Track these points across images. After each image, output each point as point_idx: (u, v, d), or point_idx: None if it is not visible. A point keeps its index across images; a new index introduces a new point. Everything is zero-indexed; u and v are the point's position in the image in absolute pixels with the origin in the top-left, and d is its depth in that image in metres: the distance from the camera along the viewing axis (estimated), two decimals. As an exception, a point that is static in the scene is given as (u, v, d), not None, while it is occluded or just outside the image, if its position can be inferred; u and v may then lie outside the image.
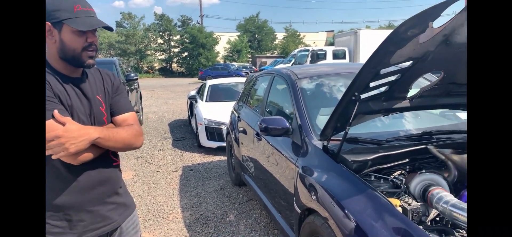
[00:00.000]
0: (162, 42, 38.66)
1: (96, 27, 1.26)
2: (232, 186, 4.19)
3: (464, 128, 2.46)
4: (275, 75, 3.22)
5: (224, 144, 5.01)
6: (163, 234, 3.11)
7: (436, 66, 1.79)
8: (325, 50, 20.13)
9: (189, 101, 7.79)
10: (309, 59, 19.10)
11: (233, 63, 31.62)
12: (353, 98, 1.73)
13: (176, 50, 38.18)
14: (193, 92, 7.76)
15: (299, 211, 2.06)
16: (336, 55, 19.42)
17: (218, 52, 38.54)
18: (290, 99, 2.61)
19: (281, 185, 2.45)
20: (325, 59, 19.12)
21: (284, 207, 2.44)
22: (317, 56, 19.25)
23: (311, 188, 1.93)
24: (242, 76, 20.75)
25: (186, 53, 36.98)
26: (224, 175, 4.64)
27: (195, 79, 27.08)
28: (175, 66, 39.02)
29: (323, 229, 1.75)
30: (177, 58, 38.20)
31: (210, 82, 7.41)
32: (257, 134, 3.00)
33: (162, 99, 14.30)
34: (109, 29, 1.37)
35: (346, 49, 19.61)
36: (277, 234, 2.94)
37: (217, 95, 6.84)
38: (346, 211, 1.60)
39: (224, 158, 5.31)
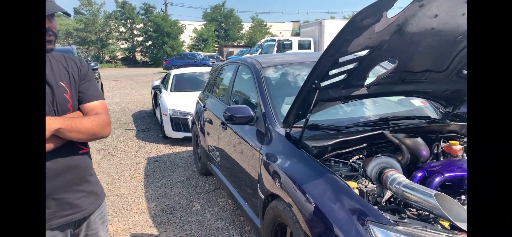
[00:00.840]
0: (124, 30, 37.14)
1: (53, 12, 1.21)
2: (199, 176, 4.17)
3: (417, 114, 2.62)
4: (240, 64, 3.23)
5: (190, 134, 4.96)
6: (127, 226, 3.05)
7: (391, 54, 1.88)
8: (291, 40, 20.37)
9: (153, 91, 7.59)
10: (275, 49, 19.24)
11: (200, 52, 31.10)
12: (313, 86, 1.78)
13: (140, 39, 36.85)
14: (157, 82, 7.57)
15: (263, 196, 2.11)
16: (301, 45, 19.72)
17: (183, 41, 37.69)
18: (255, 88, 2.63)
19: (247, 172, 2.48)
20: (291, 49, 19.36)
21: (250, 194, 2.48)
22: (283, 46, 19.43)
23: (274, 174, 1.98)
24: (208, 65, 20.50)
25: (150, 42, 35.81)
26: (190, 165, 4.61)
27: (160, 69, 26.38)
28: (138, 56, 37.69)
29: (285, 213, 1.80)
30: (141, 47, 36.90)
31: (174, 72, 7.27)
32: (223, 123, 3.00)
33: (125, 89, 13.82)
34: (67, 14, 1.33)
35: (311, 39, 19.96)
36: (243, 221, 2.98)
37: (182, 84, 6.73)
38: (307, 195, 1.66)
39: (190, 148, 5.27)
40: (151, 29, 35.12)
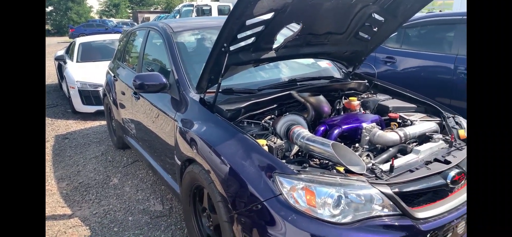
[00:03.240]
0: (17, -7, 31.96)
1: None
2: (115, 150, 3.97)
3: (323, 74, 2.84)
4: (150, 29, 3.07)
5: (102, 107, 4.64)
6: (35, 211, 2.80)
7: (295, 17, 1.98)
8: (210, 6, 19.84)
9: (56, 63, 6.82)
10: (194, 14, 18.60)
11: (111, 19, 28.51)
12: (223, 49, 1.80)
13: (37, 3, 32.13)
14: (60, 52, 6.80)
15: (179, 162, 2.12)
16: (221, 11, 19.37)
17: (91, 7, 34.06)
18: (166, 54, 2.55)
19: (164, 141, 2.45)
20: (211, 14, 18.92)
21: (168, 163, 2.46)
22: (202, 12, 18.87)
23: (189, 140, 1.99)
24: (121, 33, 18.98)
25: (51, 8, 31.54)
26: (105, 140, 4.35)
27: (66, 38, 23.63)
28: (37, 23, 33.01)
29: (201, 175, 1.85)
30: (40, 13, 32.28)
31: (80, 40, 6.59)
32: (135, 93, 2.87)
33: (22, 62, 12.11)
34: None
35: (230, 4, 19.69)
36: (164, 190, 2.97)
37: (89, 54, 6.16)
38: (221, 157, 1.72)
39: (104, 122, 4.94)
40: (51, -8, 30.86)
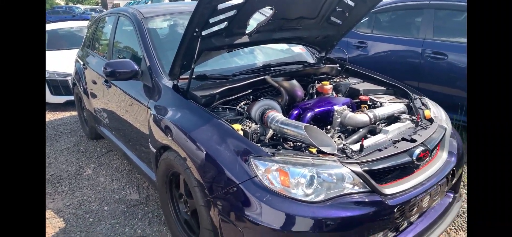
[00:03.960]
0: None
1: None
2: (88, 141, 3.88)
3: (297, 59, 2.88)
4: (120, 16, 2.98)
5: (72, 97, 4.49)
6: (4, 206, 2.71)
7: (267, 2, 1.99)
8: (183, -9, 19.37)
9: (21, 52, 6.49)
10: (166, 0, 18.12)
11: (79, 5, 27.30)
12: (195, 34, 1.79)
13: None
14: (25, 40, 6.47)
15: (154, 150, 2.11)
16: (195, -3, 18.98)
17: (56, -8, 32.43)
18: (137, 40, 2.49)
19: (138, 130, 2.42)
20: None
21: (143, 151, 2.44)
22: (175, -3, 18.41)
23: (163, 127, 1.98)
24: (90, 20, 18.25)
25: (11, -7, 29.78)
26: (77, 130, 4.23)
27: (30, 26, 22.41)
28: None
29: (176, 161, 1.85)
30: None
31: (47, 27, 6.29)
32: (106, 81, 2.80)
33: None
34: None
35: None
36: (140, 179, 2.94)
37: (56, 42, 5.91)
38: (196, 143, 1.73)
39: (75, 113, 4.79)
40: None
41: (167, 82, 2.15)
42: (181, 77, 2.07)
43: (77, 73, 3.75)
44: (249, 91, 2.17)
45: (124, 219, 2.42)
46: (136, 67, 2.24)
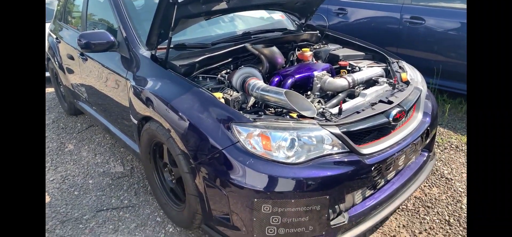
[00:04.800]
0: None
1: None
2: (67, 117, 3.80)
3: (277, 26, 2.87)
4: (93, -15, 2.86)
5: (47, 73, 4.34)
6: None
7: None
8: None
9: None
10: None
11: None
12: (171, 1, 1.75)
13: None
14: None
15: (136, 122, 2.10)
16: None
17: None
18: (112, 10, 2.42)
19: (118, 103, 2.39)
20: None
21: (125, 124, 2.43)
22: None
23: (144, 98, 1.97)
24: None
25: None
26: (55, 107, 4.13)
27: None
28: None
29: (159, 131, 1.86)
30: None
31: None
32: (82, 55, 2.73)
33: None
34: None
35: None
36: (124, 152, 2.94)
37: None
38: (178, 113, 1.73)
39: (51, 89, 4.65)
40: None
41: (145, 53, 2.11)
42: (158, 47, 2.04)
43: (51, 48, 3.62)
44: (230, 59, 2.16)
45: (110, 191, 2.44)
46: (112, 38, 2.18)
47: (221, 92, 1.86)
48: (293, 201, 1.51)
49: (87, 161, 2.85)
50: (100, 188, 2.48)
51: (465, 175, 2.50)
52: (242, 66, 2.08)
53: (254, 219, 1.54)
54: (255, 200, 1.51)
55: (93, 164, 2.80)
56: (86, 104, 3.15)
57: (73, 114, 3.76)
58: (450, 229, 2.01)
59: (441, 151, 2.81)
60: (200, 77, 2.02)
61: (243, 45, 2.19)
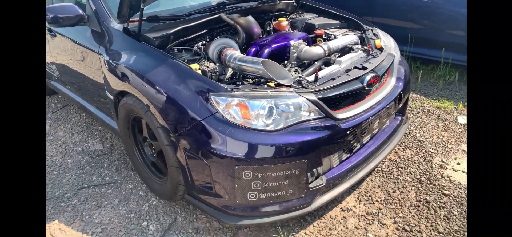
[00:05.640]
0: None
1: None
2: (40, 98, 3.68)
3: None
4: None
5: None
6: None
7: None
8: None
9: None
10: None
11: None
12: (142, -30, 1.70)
13: None
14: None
15: (111, 97, 2.07)
16: None
17: None
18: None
19: (92, 79, 2.33)
20: None
21: (102, 102, 2.38)
22: None
23: (119, 73, 1.93)
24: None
25: None
26: (26, 88, 3.97)
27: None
28: None
29: (136, 105, 1.84)
30: None
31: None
32: (50, 31, 2.62)
33: None
34: None
35: None
36: (102, 130, 2.90)
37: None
38: (156, 87, 1.71)
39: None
40: None
41: (117, 26, 2.06)
42: (130, 19, 1.98)
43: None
44: (205, 30, 2.14)
45: (90, 169, 2.42)
46: (80, 11, 2.10)
47: (198, 64, 1.85)
48: (272, 166, 1.55)
49: (64, 140, 2.80)
50: (80, 166, 2.45)
51: (435, 136, 2.63)
52: (218, 37, 2.07)
53: (236, 186, 1.59)
54: (236, 167, 1.55)
55: (70, 143, 2.75)
56: (59, 83, 3.05)
57: (46, 94, 3.64)
58: (421, 186, 2.13)
59: (414, 115, 2.93)
60: (175, 50, 1.99)
61: (218, 15, 2.17)
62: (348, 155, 1.88)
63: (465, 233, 1.80)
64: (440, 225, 1.86)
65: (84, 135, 2.86)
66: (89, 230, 1.92)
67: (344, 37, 2.26)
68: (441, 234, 1.81)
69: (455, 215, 1.92)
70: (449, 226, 1.85)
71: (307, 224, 1.89)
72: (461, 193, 2.06)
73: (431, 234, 1.82)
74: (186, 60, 1.87)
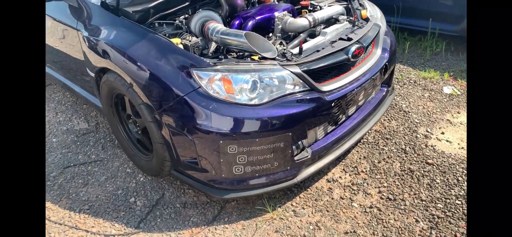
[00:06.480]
0: None
1: None
2: (21, 77, 3.58)
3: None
4: None
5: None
6: None
7: None
8: None
9: None
10: None
11: None
12: None
13: None
14: None
15: (92, 74, 2.02)
16: None
17: None
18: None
19: (72, 57, 2.27)
20: None
21: (85, 80, 2.32)
22: None
23: (99, 49, 1.88)
24: None
25: None
26: (6, 67, 3.86)
27: None
28: None
29: (117, 82, 1.80)
30: None
31: None
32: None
33: None
34: None
35: None
36: (87, 108, 2.85)
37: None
38: (138, 63, 1.67)
39: None
40: None
41: (94, 0, 1.98)
42: (109, -7, 1.91)
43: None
44: (187, 3, 2.08)
45: (76, 147, 2.39)
46: (56, -16, 2.02)
47: (179, 38, 1.81)
48: (257, 140, 1.55)
49: (48, 120, 2.75)
50: (65, 145, 2.42)
51: (421, 107, 2.66)
52: (201, 10, 2.01)
53: (221, 160, 1.59)
54: (221, 142, 1.54)
55: (55, 122, 2.70)
56: (39, 61, 2.96)
57: (28, 73, 3.54)
58: (405, 156, 2.17)
59: (401, 86, 2.94)
60: (156, 24, 1.94)
61: (200, -13, 2.10)
62: (334, 127, 1.89)
63: (447, 200, 1.85)
64: (423, 193, 1.90)
65: (69, 114, 2.81)
66: (76, 207, 1.92)
67: (330, 8, 2.22)
68: (423, 202, 1.86)
69: (438, 183, 1.96)
70: (432, 193, 1.90)
71: (293, 196, 1.92)
72: (444, 162, 2.10)
73: (414, 202, 1.86)
74: (167, 35, 1.83)
